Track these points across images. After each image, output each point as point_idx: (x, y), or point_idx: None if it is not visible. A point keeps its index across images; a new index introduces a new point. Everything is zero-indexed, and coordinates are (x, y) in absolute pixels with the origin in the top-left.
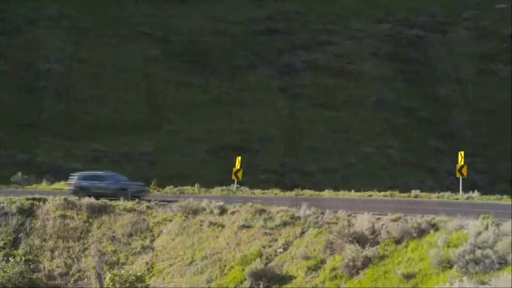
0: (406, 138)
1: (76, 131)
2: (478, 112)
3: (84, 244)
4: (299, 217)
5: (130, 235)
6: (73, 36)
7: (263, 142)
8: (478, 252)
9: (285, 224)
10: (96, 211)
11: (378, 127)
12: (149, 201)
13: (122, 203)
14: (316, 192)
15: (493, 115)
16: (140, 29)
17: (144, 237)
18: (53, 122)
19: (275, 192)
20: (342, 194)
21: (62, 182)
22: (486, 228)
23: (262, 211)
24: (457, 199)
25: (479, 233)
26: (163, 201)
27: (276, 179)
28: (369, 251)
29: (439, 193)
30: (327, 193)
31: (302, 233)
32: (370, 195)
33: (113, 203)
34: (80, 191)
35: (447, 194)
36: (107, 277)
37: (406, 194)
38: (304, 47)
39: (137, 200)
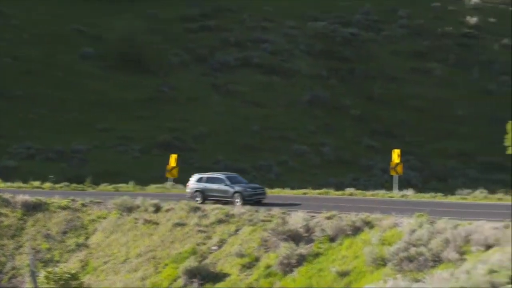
0: (340, 136)
1: (9, 128)
2: (412, 110)
3: (18, 241)
4: (233, 215)
5: (65, 232)
6: (6, 34)
7: (197, 140)
8: (413, 250)
9: (219, 221)
10: (31, 209)
11: (312, 125)
12: (83, 198)
13: (57, 200)
14: None
15: (427, 113)
16: (73, 27)
17: (79, 234)
18: None
19: None
20: (277, 192)
21: None
22: (421, 226)
23: (196, 209)
24: (391, 197)
25: (414, 231)
26: (98, 198)
27: None
28: (303, 249)
29: (373, 191)
30: None
31: (237, 230)
32: (305, 193)
33: (47, 200)
34: (196, 195)
35: (381, 192)
36: (41, 275)
37: (340, 192)
38: (237, 45)
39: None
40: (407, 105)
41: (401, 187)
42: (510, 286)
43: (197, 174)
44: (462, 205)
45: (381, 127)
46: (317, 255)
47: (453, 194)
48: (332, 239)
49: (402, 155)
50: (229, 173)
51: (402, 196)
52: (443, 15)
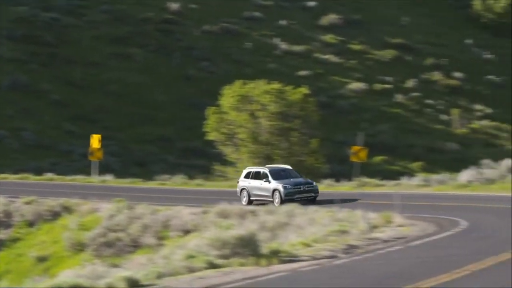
0: (40, 121)
1: None
2: (112, 95)
3: None
4: None
5: None
6: None
7: None
8: (111, 235)
9: None
10: None
11: (11, 109)
12: None
13: None
14: None
15: (126, 98)
16: None
17: None
18: None
19: None
20: None
21: None
22: (120, 211)
23: None
24: (91, 182)
25: (112, 216)
26: None
27: None
28: (2, 234)
29: (73, 176)
30: None
31: None
32: (5, 178)
33: None
34: (243, 195)
35: (81, 177)
36: None
37: (40, 177)
38: None
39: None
40: (108, 90)
41: (101, 172)
42: (207, 271)
43: (248, 167)
44: (161, 191)
45: (81, 112)
46: (16, 240)
47: (152, 179)
48: (31, 224)
49: (102, 140)
50: (281, 166)
51: (102, 181)
52: (145, 1)
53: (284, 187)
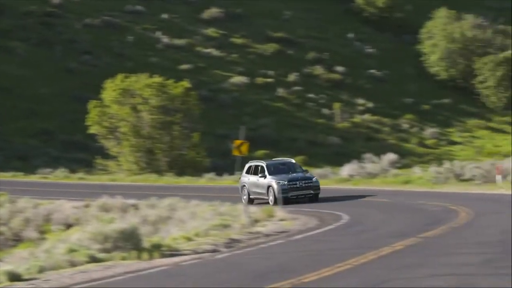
0: None
1: None
2: None
3: None
4: None
5: None
6: None
7: None
8: None
9: None
10: None
11: None
12: None
13: None
14: None
15: (7, 92)
16: None
17: None
18: None
19: None
20: None
21: None
22: (1, 205)
23: None
24: None
25: None
26: None
27: None
28: None
29: None
30: None
31: None
32: None
33: None
34: (243, 192)
35: None
36: None
37: None
38: None
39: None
40: None
41: None
42: (89, 265)
43: (250, 161)
44: (43, 185)
45: None
46: None
47: (34, 173)
48: None
49: None
50: (283, 159)
51: None
52: None
53: (278, 183)
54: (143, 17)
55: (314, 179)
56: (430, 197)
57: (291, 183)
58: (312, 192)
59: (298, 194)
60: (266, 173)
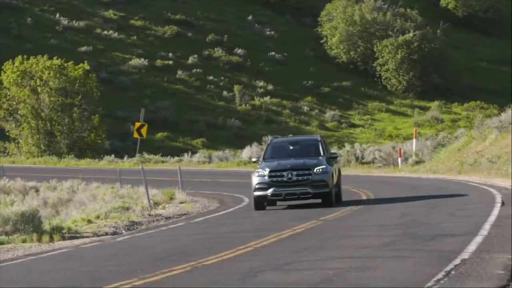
0: None
1: None
2: None
3: None
4: None
5: None
6: None
7: None
8: None
9: None
10: None
11: None
12: None
13: None
14: None
15: None
16: None
17: None
18: None
19: None
20: None
21: None
22: None
23: None
24: None
25: None
26: None
27: None
28: None
29: None
30: None
31: None
32: None
33: None
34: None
35: None
36: None
37: None
38: None
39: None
40: None
41: None
42: None
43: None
44: None
45: None
46: None
47: None
48: None
49: None
50: (307, 136)
51: None
52: None
53: (257, 173)
54: None
55: (319, 169)
56: None
57: (273, 174)
58: (309, 191)
59: (287, 193)
60: (262, 157)
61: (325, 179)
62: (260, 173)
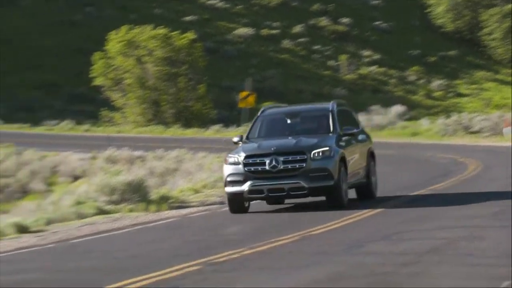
0: None
1: None
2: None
3: None
4: None
5: None
6: None
7: None
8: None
9: None
10: None
11: None
12: None
13: None
14: None
15: (10, 44)
16: None
17: None
18: None
19: None
20: None
21: None
22: (8, 157)
23: None
24: None
25: (1, 162)
26: None
27: None
28: None
29: None
30: None
31: None
32: None
33: None
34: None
35: None
36: None
37: None
38: None
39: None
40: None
41: None
42: (96, 217)
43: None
44: (49, 136)
45: None
46: None
47: (39, 125)
48: None
49: None
50: (304, 106)
51: None
52: None
53: (229, 159)
54: None
55: (317, 152)
56: (438, 149)
57: (251, 160)
58: (303, 184)
59: (270, 188)
60: (245, 137)
61: (327, 166)
62: (232, 159)
